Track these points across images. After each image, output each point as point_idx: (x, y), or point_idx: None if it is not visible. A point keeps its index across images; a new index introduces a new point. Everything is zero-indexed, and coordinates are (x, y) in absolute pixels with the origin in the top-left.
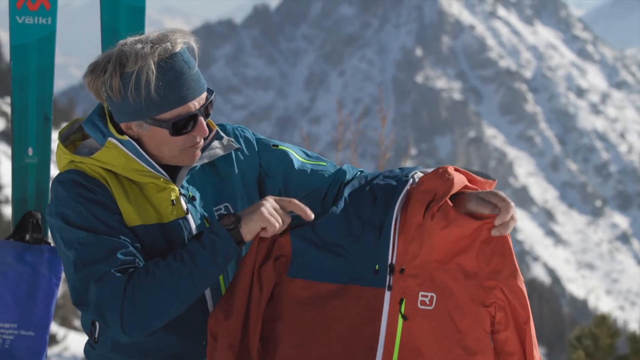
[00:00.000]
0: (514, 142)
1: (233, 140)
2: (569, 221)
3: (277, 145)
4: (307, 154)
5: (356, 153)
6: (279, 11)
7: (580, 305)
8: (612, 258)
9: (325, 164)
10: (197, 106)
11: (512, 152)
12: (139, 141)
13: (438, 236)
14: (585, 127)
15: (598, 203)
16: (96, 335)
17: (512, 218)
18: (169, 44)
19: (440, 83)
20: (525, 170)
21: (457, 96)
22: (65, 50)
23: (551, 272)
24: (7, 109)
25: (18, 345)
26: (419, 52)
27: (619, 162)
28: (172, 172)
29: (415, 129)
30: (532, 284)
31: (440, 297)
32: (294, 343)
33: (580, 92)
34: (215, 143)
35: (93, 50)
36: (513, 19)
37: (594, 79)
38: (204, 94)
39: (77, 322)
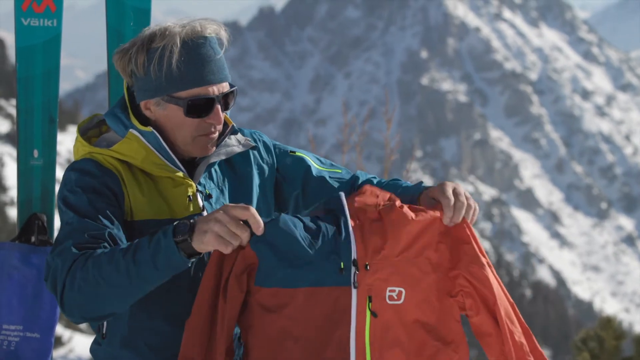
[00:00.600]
0: (520, 144)
1: (250, 139)
2: (575, 223)
3: (294, 152)
4: (321, 161)
5: (361, 155)
6: (284, 13)
7: (586, 308)
8: (618, 260)
9: (340, 171)
10: (216, 92)
11: (518, 154)
12: (157, 129)
13: (400, 230)
14: (591, 129)
15: (603, 205)
16: (104, 331)
17: (458, 207)
18: (198, 26)
19: (446, 85)
20: (530, 173)
21: (462, 98)
22: (70, 52)
23: (556, 274)
24: (13, 111)
25: (24, 347)
26: (424, 54)
27: (624, 164)
28: (191, 168)
29: (421, 131)
30: (538, 286)
31: (409, 291)
32: (264, 356)
33: (586, 94)
34: (232, 140)
35: (98, 52)
36: (518, 21)
37: (600, 81)
38: (226, 84)
39: (83, 324)
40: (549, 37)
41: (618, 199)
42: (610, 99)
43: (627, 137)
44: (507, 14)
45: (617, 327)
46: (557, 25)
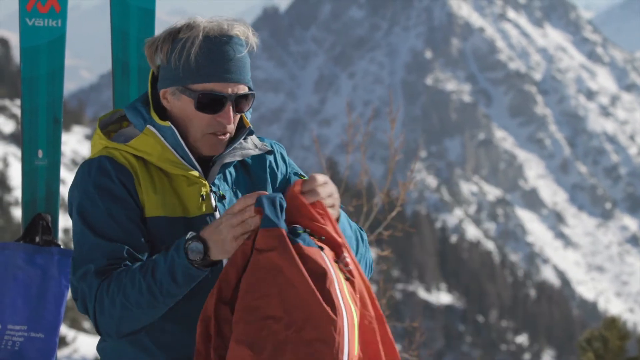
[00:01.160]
0: (524, 144)
1: (266, 144)
2: (579, 223)
3: (303, 177)
4: None
5: (366, 155)
6: (288, 13)
7: (590, 308)
8: (622, 260)
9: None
10: (229, 91)
11: (522, 155)
12: (173, 122)
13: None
14: (595, 129)
15: (608, 205)
16: None
17: (313, 186)
18: (225, 24)
19: (450, 85)
20: (535, 173)
21: (466, 98)
22: (75, 53)
23: (561, 275)
24: (17, 111)
25: (28, 347)
26: (428, 54)
27: (628, 165)
28: (206, 168)
29: (425, 131)
30: (542, 286)
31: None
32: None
33: (590, 95)
34: (249, 143)
35: (103, 52)
36: (522, 21)
37: (604, 81)
38: (243, 86)
39: (87, 324)
40: (553, 37)
41: (622, 199)
42: (614, 99)
43: (632, 137)
44: (511, 14)
45: (622, 328)
46: (562, 26)
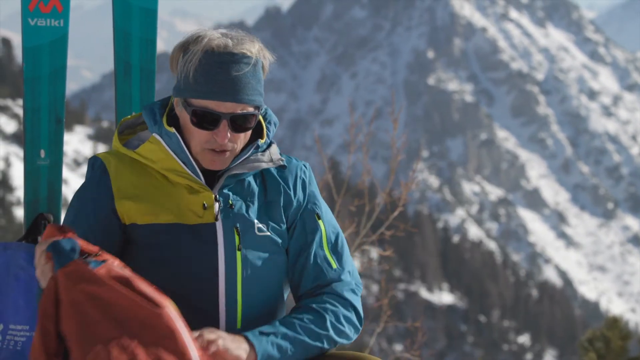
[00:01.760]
0: (526, 144)
1: (283, 160)
2: (581, 223)
3: (319, 217)
4: (335, 240)
5: (368, 155)
6: (290, 13)
7: (592, 308)
8: (624, 260)
9: (335, 265)
10: (224, 110)
11: (524, 155)
12: (180, 131)
13: None
14: (597, 129)
15: (610, 205)
16: None
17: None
18: (231, 42)
19: (452, 85)
20: (537, 173)
21: (468, 98)
22: (77, 53)
23: (563, 275)
24: (20, 111)
25: (30, 347)
26: (430, 54)
27: (630, 165)
28: (213, 179)
29: (427, 131)
30: (544, 286)
31: None
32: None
33: (592, 95)
34: (264, 156)
35: (105, 52)
36: (525, 21)
37: (606, 81)
38: (243, 106)
39: None
40: (555, 37)
41: (624, 199)
42: (616, 99)
43: (634, 137)
44: (513, 14)
45: (623, 328)
46: (564, 26)
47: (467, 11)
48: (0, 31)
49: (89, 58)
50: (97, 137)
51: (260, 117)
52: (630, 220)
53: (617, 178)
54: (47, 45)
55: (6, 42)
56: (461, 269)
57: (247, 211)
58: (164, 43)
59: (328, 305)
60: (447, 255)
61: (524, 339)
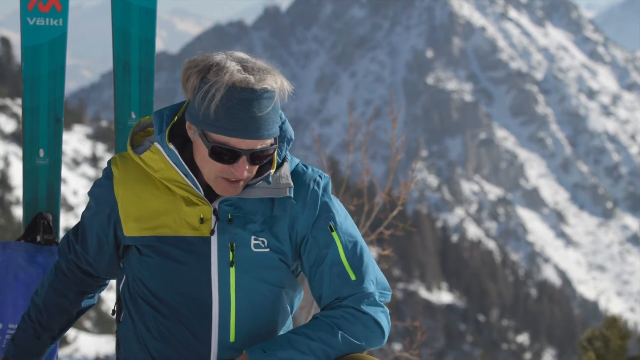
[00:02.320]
0: (525, 143)
1: (291, 186)
2: (580, 223)
3: (333, 228)
4: (353, 249)
5: (367, 154)
6: (289, 13)
7: (591, 307)
8: (623, 260)
9: (354, 278)
10: (244, 147)
11: (523, 154)
12: (192, 146)
13: None
14: (596, 128)
15: (609, 205)
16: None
17: None
18: (253, 77)
19: (451, 84)
20: (536, 172)
21: (468, 98)
22: (76, 52)
23: (562, 274)
24: (19, 111)
25: None
26: (429, 53)
27: (629, 164)
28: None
29: (426, 130)
30: (543, 285)
31: None
32: None
33: (591, 94)
34: (263, 183)
35: (104, 51)
36: (524, 20)
37: (605, 80)
38: (262, 142)
39: (88, 324)
40: (554, 36)
41: (623, 198)
42: (616, 99)
43: (633, 137)
44: (512, 13)
45: (623, 327)
46: (563, 25)
47: (466, 10)
48: None
49: (88, 57)
50: (96, 137)
51: None
52: (629, 220)
53: (616, 177)
54: (46, 45)
55: (5, 42)
56: (460, 269)
57: (246, 226)
58: (163, 42)
59: (342, 321)
60: (446, 255)
61: (523, 338)
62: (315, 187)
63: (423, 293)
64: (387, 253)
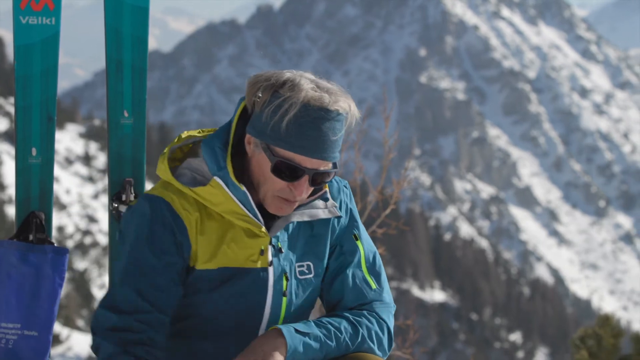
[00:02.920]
0: (518, 142)
1: (337, 206)
2: (573, 221)
3: (357, 237)
4: (373, 260)
5: (360, 153)
6: (282, 11)
7: (584, 306)
8: (616, 258)
9: (374, 286)
10: (309, 165)
11: (516, 153)
12: (249, 168)
13: None
14: (589, 127)
15: (602, 203)
16: None
17: None
18: (328, 97)
19: (444, 83)
20: (528, 171)
21: (460, 96)
22: (68, 51)
23: (555, 272)
24: (11, 109)
25: (21, 345)
26: (422, 52)
27: (622, 163)
28: (267, 219)
29: (419, 129)
30: (536, 284)
31: None
32: None
33: (584, 93)
34: (319, 203)
35: (97, 50)
36: (517, 19)
37: (598, 79)
38: (326, 163)
39: (81, 322)
40: (547, 35)
41: (616, 197)
42: (608, 97)
43: (626, 135)
44: (505, 12)
45: (615, 325)
46: (556, 24)
47: (459, 9)
48: None
49: (81, 56)
50: (89, 136)
51: None
52: (622, 218)
53: (608, 176)
54: (39, 44)
55: None
56: (453, 267)
57: (293, 253)
58: (156, 41)
59: (364, 320)
60: (439, 253)
61: (516, 336)
62: (346, 199)
63: (416, 291)
64: (380, 252)
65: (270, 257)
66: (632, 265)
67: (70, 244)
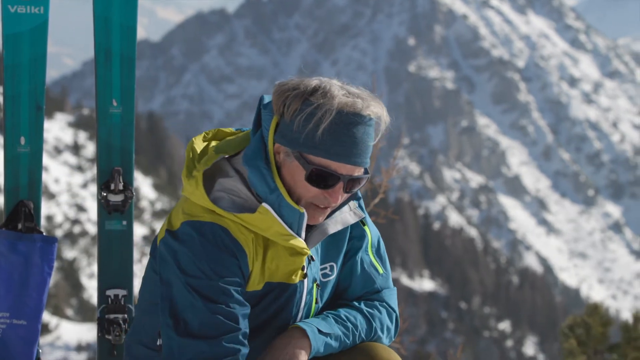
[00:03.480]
0: (507, 131)
1: (358, 207)
2: (562, 210)
3: (364, 222)
4: (378, 244)
5: None
6: (271, 0)
7: (573, 294)
8: (605, 247)
9: (381, 270)
10: (344, 172)
11: (505, 142)
12: (282, 179)
13: None
14: (578, 116)
15: (590, 192)
16: (159, 344)
17: None
18: (361, 102)
19: (433, 72)
20: (517, 160)
21: (449, 85)
22: (57, 40)
23: (543, 261)
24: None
25: (10, 334)
26: (411, 41)
27: (611, 152)
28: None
29: (408, 118)
30: (525, 273)
31: None
32: None
33: (573, 82)
34: (346, 208)
35: (85, 39)
36: (506, 8)
37: (587, 68)
38: (360, 169)
39: (69, 311)
40: (536, 24)
41: (605, 186)
42: (597, 86)
43: (614, 125)
44: (494, 1)
45: (604, 314)
46: (545, 13)
47: None
48: None
49: (70, 45)
50: (77, 125)
51: None
52: (610, 207)
53: (597, 165)
54: (28, 33)
55: None
56: (442, 256)
57: (317, 258)
58: (145, 30)
59: (376, 313)
60: (428, 242)
61: (505, 325)
62: (359, 194)
63: (405, 280)
64: None
65: (305, 270)
66: (620, 254)
67: (59, 233)
